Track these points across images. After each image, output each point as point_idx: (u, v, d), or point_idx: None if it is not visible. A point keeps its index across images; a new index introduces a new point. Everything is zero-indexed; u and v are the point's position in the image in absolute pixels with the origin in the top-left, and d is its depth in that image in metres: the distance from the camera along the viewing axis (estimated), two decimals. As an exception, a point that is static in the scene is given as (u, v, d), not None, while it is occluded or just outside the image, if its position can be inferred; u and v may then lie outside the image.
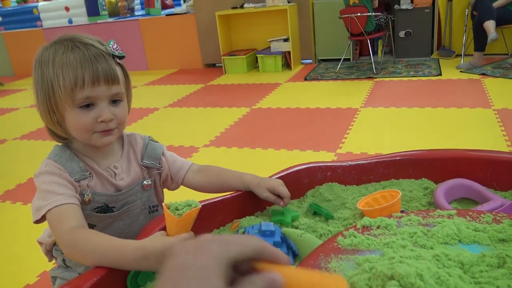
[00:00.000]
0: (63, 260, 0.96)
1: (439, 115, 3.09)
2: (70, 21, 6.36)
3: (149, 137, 1.00)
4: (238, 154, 2.78)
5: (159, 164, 0.97)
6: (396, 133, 2.84)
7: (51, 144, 0.90)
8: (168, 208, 0.76)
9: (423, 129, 2.87)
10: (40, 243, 1.02)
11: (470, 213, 0.67)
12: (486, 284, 0.48)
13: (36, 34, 6.43)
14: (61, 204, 0.79)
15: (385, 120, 3.13)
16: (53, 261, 1.02)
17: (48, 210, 0.79)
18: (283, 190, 0.92)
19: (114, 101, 0.85)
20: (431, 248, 0.58)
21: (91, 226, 0.89)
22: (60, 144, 0.91)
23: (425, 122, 3.00)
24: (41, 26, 6.58)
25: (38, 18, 6.67)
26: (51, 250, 1.00)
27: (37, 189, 0.84)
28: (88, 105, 0.82)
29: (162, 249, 0.70)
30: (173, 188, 1.02)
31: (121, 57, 0.86)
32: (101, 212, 0.89)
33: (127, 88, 0.90)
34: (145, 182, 0.94)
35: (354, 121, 3.14)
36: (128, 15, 6.74)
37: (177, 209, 0.76)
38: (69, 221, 0.78)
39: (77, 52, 0.81)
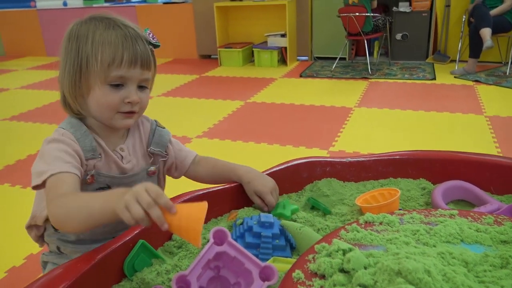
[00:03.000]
0: (57, 248, 0.94)
1: (432, 119, 3.11)
2: (65, 4, 6.24)
3: (155, 121, 0.99)
4: (231, 146, 2.77)
5: (166, 152, 0.96)
6: (389, 134, 2.86)
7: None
8: None
9: (415, 131, 2.89)
10: (29, 229, 0.97)
11: (471, 213, 0.67)
12: (490, 283, 0.48)
13: (29, 15, 6.32)
14: (66, 172, 0.77)
15: (379, 120, 3.14)
16: (44, 245, 1.00)
17: (51, 175, 0.76)
18: (270, 198, 0.91)
19: (140, 87, 0.85)
20: (434, 246, 0.58)
21: None
22: (73, 117, 0.88)
23: (418, 124, 3.02)
24: (35, 6, 6.46)
25: (32, -1, 6.55)
26: (42, 235, 0.97)
27: (42, 153, 0.81)
28: (118, 85, 0.82)
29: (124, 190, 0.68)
30: (176, 176, 1.01)
31: (155, 46, 0.86)
32: None
33: (153, 77, 0.90)
34: (151, 168, 0.93)
35: (348, 120, 3.14)
36: (125, 0, 6.65)
37: None
38: (65, 187, 0.75)
39: (119, 31, 0.82)
